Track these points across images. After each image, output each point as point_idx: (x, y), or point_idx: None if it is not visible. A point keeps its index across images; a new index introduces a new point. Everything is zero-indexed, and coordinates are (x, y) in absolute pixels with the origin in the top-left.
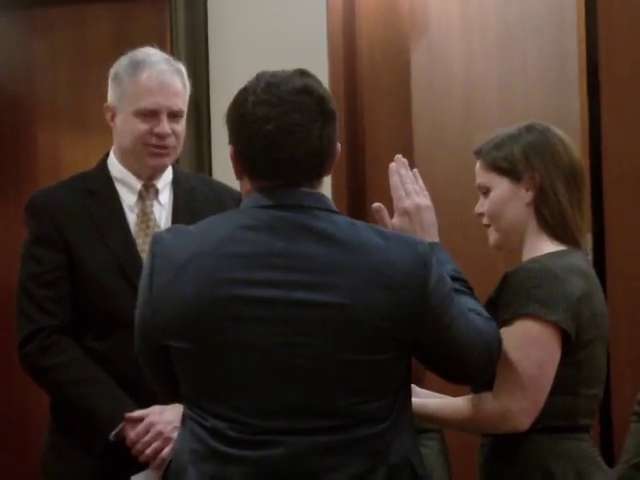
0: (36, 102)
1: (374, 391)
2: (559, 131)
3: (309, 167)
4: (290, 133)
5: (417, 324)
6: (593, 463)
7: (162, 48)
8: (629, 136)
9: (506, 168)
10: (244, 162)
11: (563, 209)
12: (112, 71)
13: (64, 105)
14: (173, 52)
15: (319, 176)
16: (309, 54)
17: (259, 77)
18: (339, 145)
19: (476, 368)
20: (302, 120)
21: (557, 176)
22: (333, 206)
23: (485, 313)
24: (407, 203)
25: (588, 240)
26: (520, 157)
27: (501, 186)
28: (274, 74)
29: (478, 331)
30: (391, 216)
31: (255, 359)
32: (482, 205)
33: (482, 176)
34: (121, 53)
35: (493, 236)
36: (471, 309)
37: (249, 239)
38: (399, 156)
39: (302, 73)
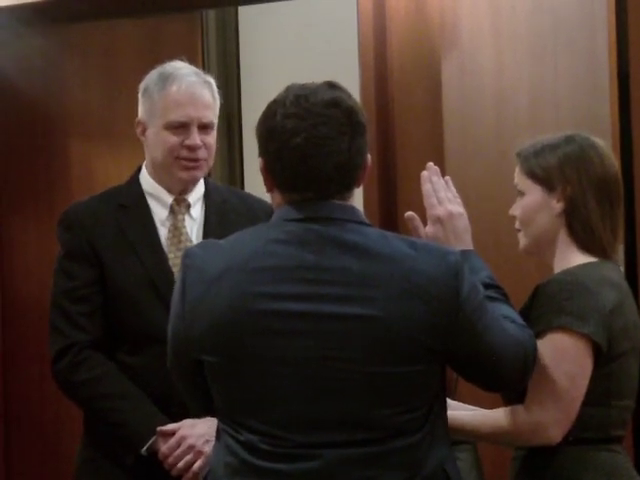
0: (69, 116)
1: (409, 402)
2: (600, 143)
3: (339, 180)
4: (319, 146)
5: (450, 334)
6: (626, 474)
7: (194, 62)
8: None
9: (540, 177)
10: (274, 175)
11: (593, 223)
12: (142, 86)
13: (96, 119)
14: (204, 66)
15: (349, 188)
16: (340, 66)
17: (288, 89)
18: (370, 156)
19: (512, 375)
20: (331, 133)
21: (589, 190)
22: (364, 218)
23: (520, 320)
24: (440, 211)
25: (620, 251)
26: (555, 168)
27: (534, 194)
28: (303, 86)
29: (513, 338)
30: (424, 225)
31: (288, 373)
32: (516, 208)
33: (519, 179)
34: (152, 68)
35: (523, 241)
36: (505, 316)
37: (279, 253)
38: (431, 164)
39: (331, 85)
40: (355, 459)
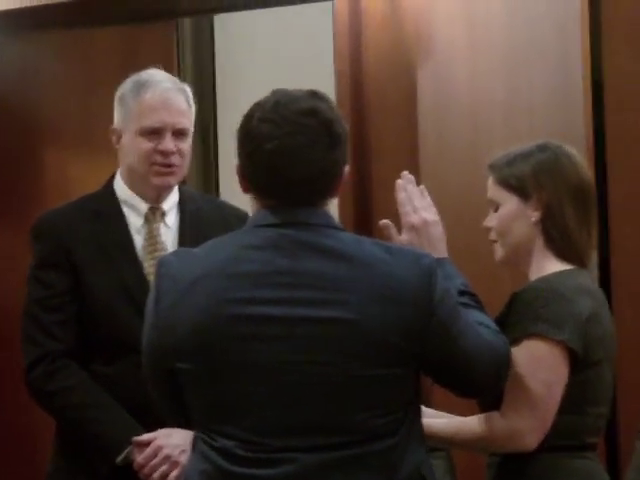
0: (45, 124)
1: (384, 406)
2: (572, 150)
3: (311, 188)
4: (291, 155)
5: (424, 337)
6: None
7: (169, 70)
8: (634, 154)
9: (515, 186)
10: (248, 178)
11: (570, 230)
12: (117, 94)
13: (72, 127)
14: (180, 74)
15: (323, 196)
16: (316, 74)
17: (273, 94)
18: (347, 167)
19: (486, 381)
20: (306, 142)
21: (565, 196)
22: (337, 223)
23: (494, 326)
24: (414, 219)
25: (594, 259)
26: (530, 176)
27: (510, 203)
28: (287, 93)
29: (487, 344)
30: (399, 233)
31: (263, 378)
32: (491, 220)
33: (492, 191)
34: (129, 75)
35: (499, 252)
36: (480, 322)
37: (254, 258)
38: (406, 172)
39: (313, 94)
40: (331, 463)
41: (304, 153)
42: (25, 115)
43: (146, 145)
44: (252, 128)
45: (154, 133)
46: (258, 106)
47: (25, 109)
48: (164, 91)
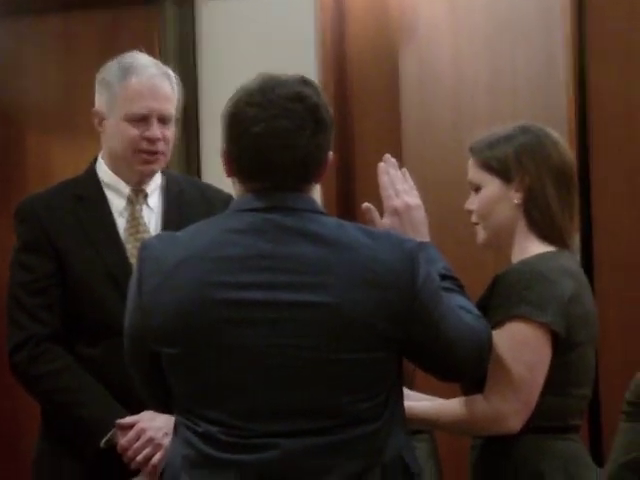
0: (25, 109)
1: (367, 390)
2: (554, 133)
3: (296, 173)
4: (277, 138)
5: (406, 321)
6: (583, 463)
7: (151, 54)
8: (617, 137)
9: (497, 168)
10: (233, 162)
11: (552, 211)
12: (99, 76)
13: (54, 112)
14: (162, 58)
15: (307, 181)
16: (298, 58)
17: (258, 77)
18: (331, 154)
19: (467, 365)
20: (290, 126)
21: (548, 178)
22: (321, 208)
23: (476, 311)
24: (397, 202)
25: (576, 240)
26: (512, 158)
27: (492, 185)
28: (273, 77)
29: (469, 328)
30: (381, 217)
31: (246, 362)
32: (472, 202)
33: (474, 173)
34: (110, 59)
35: (481, 234)
36: (462, 307)
37: (237, 242)
38: (388, 156)
39: (301, 80)
40: (315, 448)
41: (289, 137)
42: (6, 100)
43: (132, 131)
44: (239, 112)
45: (141, 120)
46: (244, 90)
47: (6, 94)
48: (150, 77)
